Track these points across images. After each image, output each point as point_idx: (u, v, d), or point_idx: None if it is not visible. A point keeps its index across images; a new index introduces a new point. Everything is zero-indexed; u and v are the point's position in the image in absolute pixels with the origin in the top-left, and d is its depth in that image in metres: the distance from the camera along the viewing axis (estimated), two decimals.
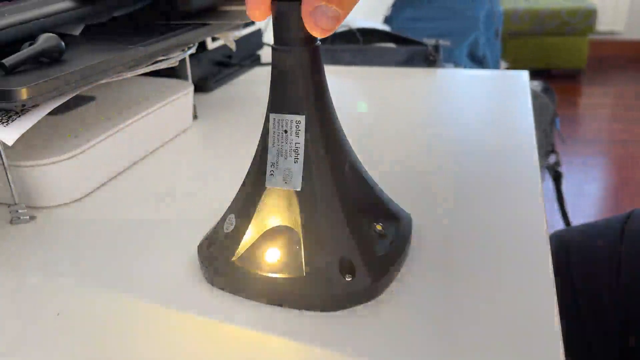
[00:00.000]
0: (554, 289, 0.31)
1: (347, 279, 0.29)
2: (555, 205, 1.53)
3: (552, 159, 1.45)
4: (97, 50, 0.41)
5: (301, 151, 0.30)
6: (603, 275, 0.56)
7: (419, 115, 0.58)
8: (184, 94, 0.54)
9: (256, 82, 0.73)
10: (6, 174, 0.39)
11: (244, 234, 0.31)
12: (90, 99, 0.52)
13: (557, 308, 0.29)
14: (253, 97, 0.67)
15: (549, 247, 0.34)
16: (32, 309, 0.31)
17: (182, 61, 0.55)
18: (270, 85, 0.30)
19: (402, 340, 0.27)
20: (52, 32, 0.39)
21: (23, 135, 0.34)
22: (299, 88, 0.29)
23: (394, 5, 2.08)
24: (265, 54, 0.83)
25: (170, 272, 0.34)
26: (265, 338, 0.28)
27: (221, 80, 0.71)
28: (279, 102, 0.30)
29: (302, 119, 0.30)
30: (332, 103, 0.31)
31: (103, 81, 0.39)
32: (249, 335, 0.28)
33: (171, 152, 0.52)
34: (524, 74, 0.70)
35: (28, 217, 0.40)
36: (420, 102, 0.62)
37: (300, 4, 0.26)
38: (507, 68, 2.51)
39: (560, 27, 2.94)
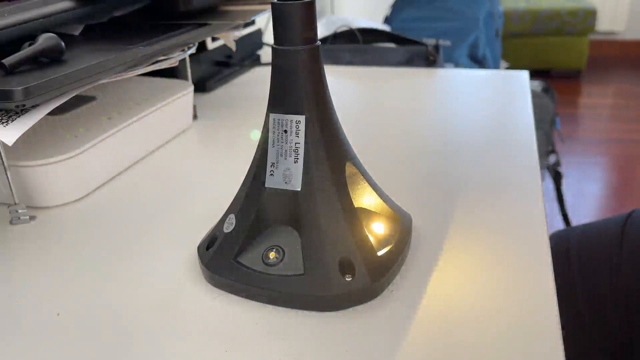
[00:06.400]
0: (554, 289, 0.31)
1: (347, 279, 0.29)
2: (555, 205, 1.53)
3: (552, 159, 1.45)
4: (97, 50, 0.41)
5: (301, 151, 0.30)
6: (603, 275, 0.56)
7: (419, 115, 0.58)
8: (184, 94, 0.54)
9: (256, 82, 0.73)
10: (6, 174, 0.39)
11: (244, 234, 0.31)
12: (90, 99, 0.52)
13: (557, 308, 0.29)
14: (253, 97, 0.67)
15: (549, 247, 0.34)
16: (32, 309, 0.31)
17: (182, 61, 0.55)
18: (270, 85, 0.30)
19: (402, 340, 0.27)
20: (52, 32, 0.39)
21: (23, 135, 0.34)
22: (299, 88, 0.29)
23: (394, 5, 2.08)
24: (265, 54, 0.83)
25: (170, 272, 0.34)
26: (265, 338, 0.28)
27: (221, 80, 0.71)
28: (279, 102, 0.30)
29: (302, 119, 0.30)
30: (332, 103, 0.31)
31: (103, 81, 0.39)
32: (249, 336, 0.28)
33: (171, 152, 0.52)
34: (524, 74, 0.70)
35: (28, 217, 0.40)
36: (420, 102, 0.62)
37: (301, 4, 0.26)
38: (507, 68, 2.51)
39: (560, 27, 2.94)
